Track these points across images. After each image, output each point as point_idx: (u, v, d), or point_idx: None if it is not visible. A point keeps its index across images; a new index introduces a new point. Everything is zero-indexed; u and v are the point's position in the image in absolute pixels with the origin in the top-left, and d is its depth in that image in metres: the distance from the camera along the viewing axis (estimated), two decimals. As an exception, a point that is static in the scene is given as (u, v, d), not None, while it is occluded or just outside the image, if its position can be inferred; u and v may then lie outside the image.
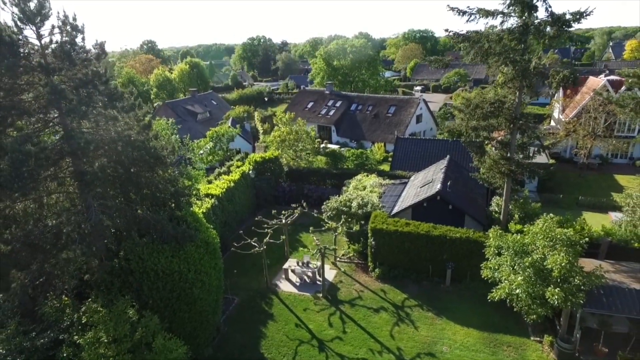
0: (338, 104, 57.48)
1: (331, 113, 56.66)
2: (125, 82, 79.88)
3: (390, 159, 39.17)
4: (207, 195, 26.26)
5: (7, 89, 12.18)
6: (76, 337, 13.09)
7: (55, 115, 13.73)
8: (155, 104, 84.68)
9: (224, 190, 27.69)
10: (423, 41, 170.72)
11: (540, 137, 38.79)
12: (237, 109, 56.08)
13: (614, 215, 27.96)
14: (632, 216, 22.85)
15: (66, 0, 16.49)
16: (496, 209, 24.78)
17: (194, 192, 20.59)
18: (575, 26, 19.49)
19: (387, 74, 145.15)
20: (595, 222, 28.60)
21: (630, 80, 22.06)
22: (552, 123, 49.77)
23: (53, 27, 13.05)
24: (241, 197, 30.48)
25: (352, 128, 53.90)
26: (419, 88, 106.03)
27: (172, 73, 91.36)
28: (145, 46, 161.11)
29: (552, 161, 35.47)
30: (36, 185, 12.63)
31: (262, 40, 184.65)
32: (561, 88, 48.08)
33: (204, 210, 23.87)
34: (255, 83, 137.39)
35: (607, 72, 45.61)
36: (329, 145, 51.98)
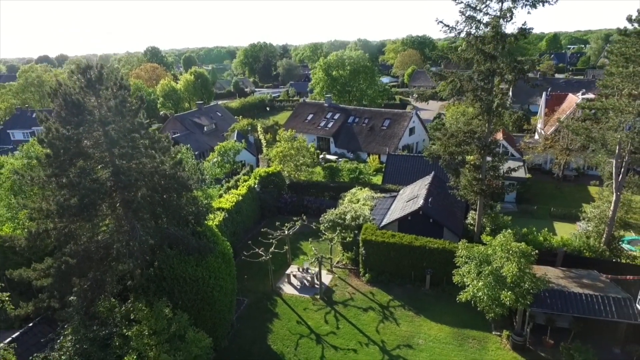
0: (336, 117, 61.13)
1: (330, 125, 60.30)
2: (133, 92, 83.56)
3: (384, 170, 42.69)
4: (218, 209, 29.86)
5: (75, 139, 15.79)
6: (125, 330, 16.68)
7: (106, 153, 17.33)
8: (161, 113, 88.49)
9: (234, 204, 31.28)
10: (421, 47, 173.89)
11: (522, 151, 42.32)
12: (242, 122, 59.68)
13: (580, 225, 31.46)
14: (586, 228, 26.48)
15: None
16: (471, 222, 28.38)
17: (210, 209, 24.18)
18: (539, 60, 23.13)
19: (386, 79, 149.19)
20: (565, 231, 32.19)
21: (586, 112, 25.64)
22: (537, 136, 53.36)
23: (107, 87, 16.72)
24: (248, 209, 34.09)
25: (349, 140, 57.53)
26: (416, 95, 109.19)
27: (177, 83, 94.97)
28: (148, 53, 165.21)
29: (528, 175, 39.03)
30: (96, 213, 16.26)
31: (263, 46, 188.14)
32: (544, 103, 51.76)
33: (217, 223, 27.47)
34: (256, 89, 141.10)
35: (584, 90, 49.13)
36: (328, 156, 55.67)
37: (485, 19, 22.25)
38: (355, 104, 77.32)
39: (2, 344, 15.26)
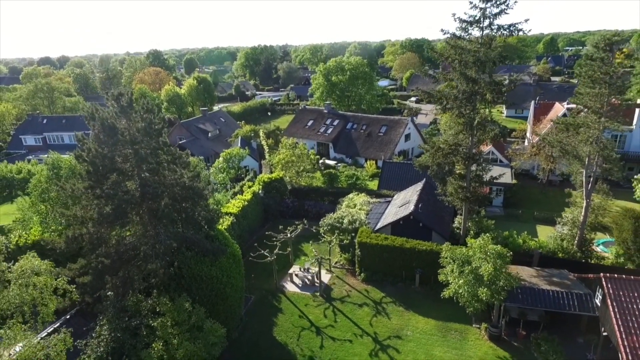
0: (335, 123, 63.74)
1: (329, 131, 62.93)
2: (138, 98, 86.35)
3: (379, 176, 45.29)
4: (226, 213, 32.47)
5: (110, 157, 18.43)
6: (151, 321, 19.28)
7: (135, 168, 19.94)
8: (165, 117, 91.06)
9: (240, 208, 33.90)
10: (419, 50, 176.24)
11: (510, 158, 44.93)
12: (245, 128, 62.33)
13: (557, 229, 34.05)
14: (561, 231, 29.15)
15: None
16: (458, 226, 31.04)
17: (220, 214, 26.82)
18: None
19: (385, 82, 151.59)
20: (545, 234, 34.76)
21: (558, 126, 28.30)
22: (526, 142, 55.99)
23: (136, 111, 19.36)
24: (252, 213, 36.71)
25: (347, 145, 60.14)
26: (414, 99, 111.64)
27: (181, 88, 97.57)
28: (151, 56, 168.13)
29: (514, 181, 41.68)
30: (127, 220, 18.89)
31: (264, 49, 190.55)
32: (532, 111, 54.46)
33: (226, 227, 30.07)
34: (257, 93, 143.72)
35: (569, 99, 51.58)
36: (327, 161, 58.31)
37: (469, 46, 24.88)
38: (354, 109, 79.92)
39: (61, 323, 17.59)
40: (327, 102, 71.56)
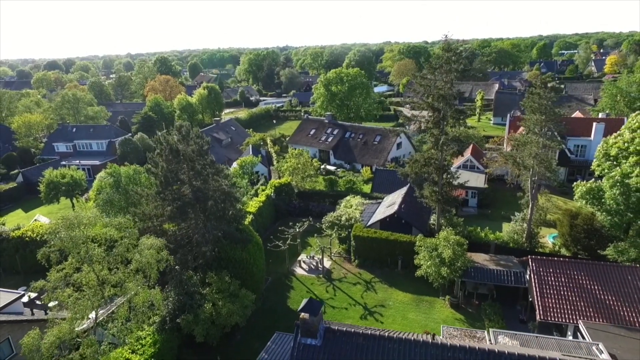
0: (335, 132, 71.19)
1: (330, 139, 70.38)
2: (153, 106, 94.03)
3: (373, 181, 52.70)
4: (246, 212, 39.91)
5: (175, 172, 25.90)
6: (201, 289, 26.73)
7: (192, 179, 27.38)
8: (177, 124, 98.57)
9: (257, 208, 41.38)
10: (417, 56, 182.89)
11: (485, 165, 52.26)
12: (255, 137, 69.79)
13: (512, 224, 41.34)
14: (514, 227, 36.64)
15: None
16: (433, 222, 38.50)
17: (244, 213, 34.28)
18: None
19: (383, 88, 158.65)
20: (507, 229, 42.18)
21: (512, 143, 35.76)
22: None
23: (192, 139, 26.82)
24: (266, 212, 44.19)
25: (346, 152, 67.60)
26: (408, 106, 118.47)
27: (191, 96, 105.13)
28: (158, 62, 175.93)
29: (486, 185, 49.12)
30: (187, 216, 26.39)
31: (266, 55, 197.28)
32: (508, 123, 61.91)
33: (248, 223, 37.50)
34: (261, 99, 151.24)
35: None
36: (328, 167, 65.79)
37: (436, 83, 32.38)
38: (353, 116, 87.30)
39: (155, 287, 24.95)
40: (328, 112, 78.78)
